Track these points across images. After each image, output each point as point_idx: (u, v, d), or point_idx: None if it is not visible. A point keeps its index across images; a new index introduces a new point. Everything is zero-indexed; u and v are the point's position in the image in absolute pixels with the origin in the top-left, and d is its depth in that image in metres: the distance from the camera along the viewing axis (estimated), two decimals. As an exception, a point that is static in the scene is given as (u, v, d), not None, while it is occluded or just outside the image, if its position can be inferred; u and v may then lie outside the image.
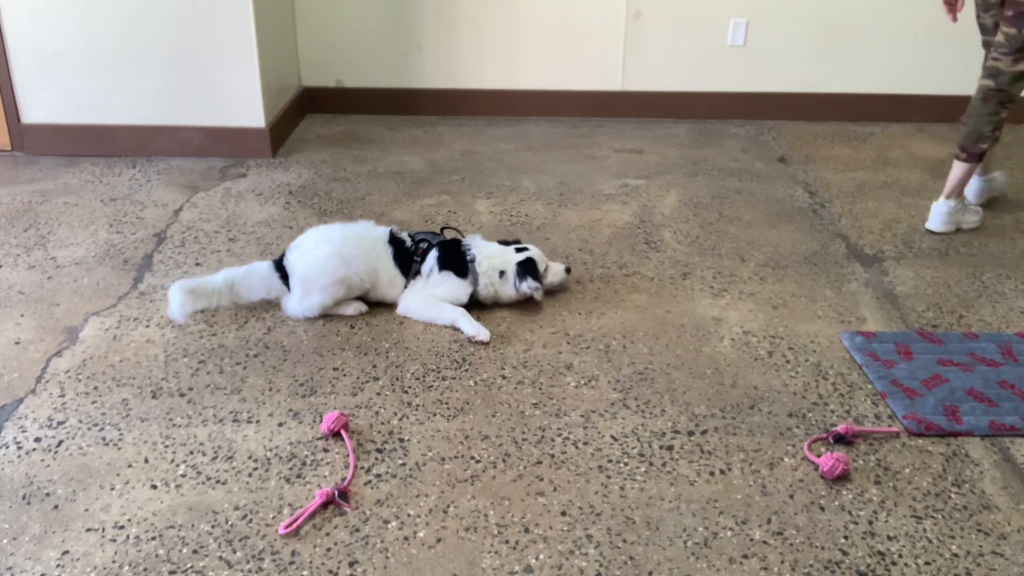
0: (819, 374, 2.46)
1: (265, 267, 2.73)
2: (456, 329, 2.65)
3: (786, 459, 2.11)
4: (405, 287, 2.76)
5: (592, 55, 4.68)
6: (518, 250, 2.78)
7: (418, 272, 2.75)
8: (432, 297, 2.71)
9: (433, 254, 2.75)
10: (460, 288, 2.73)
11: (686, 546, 1.85)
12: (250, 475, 2.04)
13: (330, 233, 2.72)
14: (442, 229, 2.92)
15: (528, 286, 2.72)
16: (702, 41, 4.64)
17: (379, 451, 2.13)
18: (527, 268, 2.73)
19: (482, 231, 3.34)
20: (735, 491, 2.01)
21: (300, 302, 2.68)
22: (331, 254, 2.65)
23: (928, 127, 4.70)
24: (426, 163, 4.11)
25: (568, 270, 2.87)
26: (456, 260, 2.74)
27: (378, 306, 2.77)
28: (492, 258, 2.75)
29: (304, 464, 2.08)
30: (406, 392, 2.36)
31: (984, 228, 3.44)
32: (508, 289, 2.75)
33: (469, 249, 2.76)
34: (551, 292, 2.87)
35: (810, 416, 2.28)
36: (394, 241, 2.76)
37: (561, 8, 4.59)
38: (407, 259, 2.76)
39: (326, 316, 2.71)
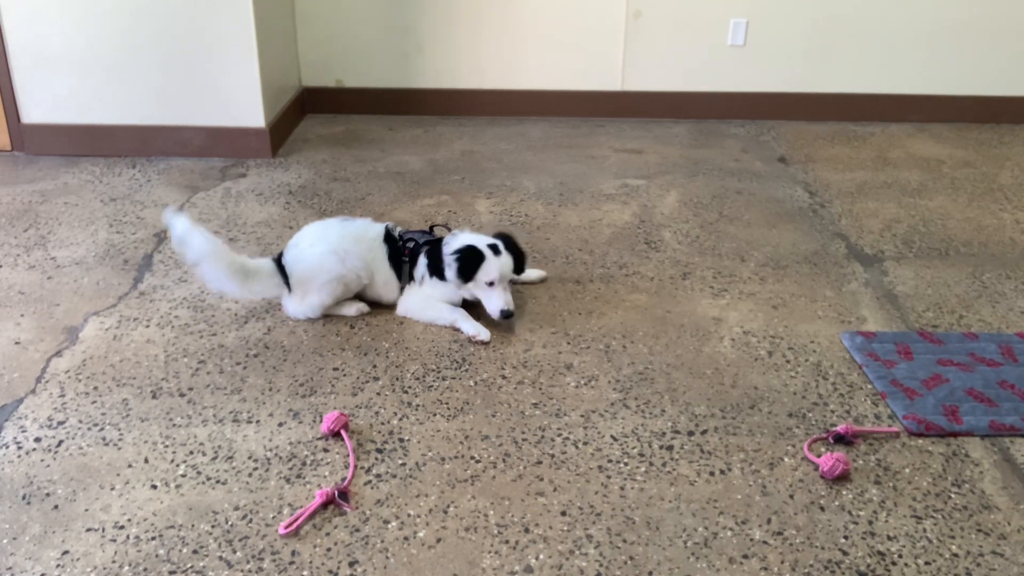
0: (819, 374, 2.46)
1: (267, 264, 2.73)
2: (456, 330, 2.65)
3: (786, 459, 2.11)
4: (401, 288, 2.75)
5: (592, 55, 4.68)
6: (492, 246, 2.61)
7: (411, 276, 2.74)
8: (430, 298, 2.71)
9: (423, 260, 2.71)
10: (449, 291, 2.69)
11: (686, 546, 1.85)
12: (250, 475, 2.04)
13: (326, 231, 2.71)
14: (431, 227, 2.90)
15: (447, 261, 2.56)
16: (702, 41, 4.64)
17: (379, 451, 2.13)
18: (465, 256, 2.54)
19: (483, 231, 3.33)
20: (735, 491, 2.01)
21: (301, 303, 2.68)
22: (326, 252, 2.64)
23: (928, 127, 4.70)
24: (426, 163, 4.11)
25: (506, 315, 2.56)
26: (439, 264, 2.66)
27: (378, 306, 2.77)
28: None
29: (304, 464, 2.08)
30: (406, 392, 2.36)
31: (983, 228, 3.44)
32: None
33: (445, 250, 2.65)
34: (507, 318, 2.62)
35: (810, 416, 2.28)
36: (389, 240, 2.75)
37: (561, 8, 4.59)
38: (400, 260, 2.74)
39: (326, 316, 2.71)
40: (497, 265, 2.58)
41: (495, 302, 2.59)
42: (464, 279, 2.58)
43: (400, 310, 2.73)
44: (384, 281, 2.74)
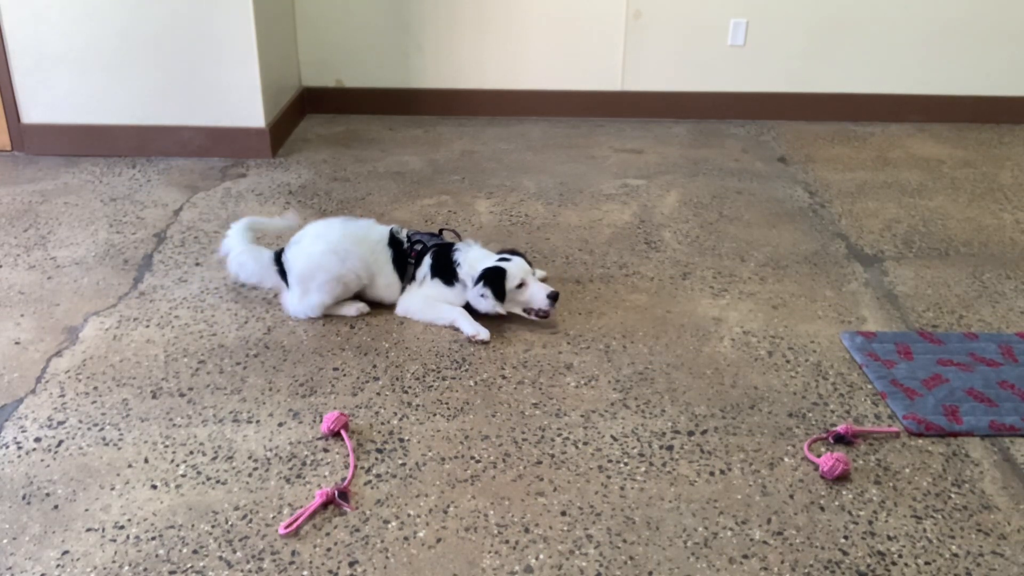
0: (819, 374, 2.46)
1: (267, 256, 2.74)
2: (456, 329, 2.65)
3: (786, 459, 2.11)
4: (403, 290, 2.76)
5: (592, 55, 4.68)
6: (502, 259, 2.66)
7: (413, 276, 2.74)
8: (430, 298, 2.71)
9: (427, 260, 2.72)
10: (452, 295, 2.69)
11: (686, 546, 1.85)
12: (250, 475, 2.04)
13: (328, 230, 2.72)
14: (440, 231, 2.90)
15: (477, 292, 2.60)
16: (702, 41, 4.64)
17: (379, 451, 2.13)
18: (489, 278, 2.59)
19: (483, 231, 3.34)
20: (735, 491, 2.01)
21: (300, 301, 2.68)
22: (326, 251, 2.64)
23: (928, 127, 4.70)
24: (426, 163, 4.11)
25: (554, 297, 2.61)
26: (445, 268, 2.69)
27: (378, 306, 2.77)
28: (473, 266, 2.65)
29: (304, 464, 2.08)
30: (406, 392, 2.36)
31: (983, 228, 3.44)
32: (470, 296, 2.65)
33: (457, 256, 2.69)
34: (540, 318, 2.68)
35: (810, 416, 2.28)
36: (394, 243, 2.75)
37: (561, 8, 4.59)
38: (405, 262, 2.74)
39: (326, 316, 2.71)
40: (517, 267, 2.63)
41: (538, 294, 2.62)
42: (502, 298, 2.60)
43: (400, 310, 2.73)
44: (387, 284, 2.74)
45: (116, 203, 3.61)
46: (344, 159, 4.15)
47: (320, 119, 4.76)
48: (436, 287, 2.70)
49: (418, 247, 2.75)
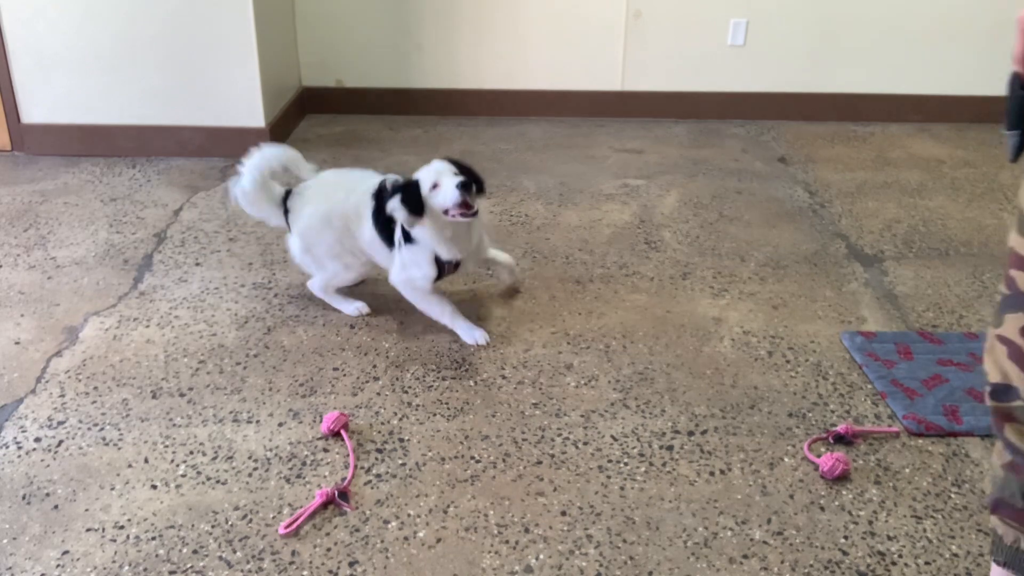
0: (819, 374, 2.46)
1: (277, 193, 2.66)
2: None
3: (786, 459, 2.11)
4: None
5: (592, 55, 4.68)
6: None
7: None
8: (416, 280, 2.52)
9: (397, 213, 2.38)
10: (427, 263, 2.46)
11: (686, 546, 1.85)
12: (250, 475, 2.04)
13: (332, 190, 2.59)
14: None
15: (390, 207, 2.37)
16: (702, 41, 4.64)
17: (379, 451, 2.13)
18: (403, 196, 2.34)
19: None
20: (735, 491, 2.01)
21: (303, 257, 2.65)
22: (323, 221, 2.55)
23: (928, 127, 4.70)
24: (426, 163, 4.10)
25: (464, 186, 2.29)
26: (414, 202, 2.37)
27: (378, 306, 2.77)
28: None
29: (304, 464, 2.08)
30: (406, 392, 2.36)
31: (983, 228, 3.44)
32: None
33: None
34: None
35: (810, 416, 2.28)
36: (378, 195, 2.50)
37: (561, 8, 4.59)
38: (383, 217, 2.45)
39: (326, 316, 2.71)
40: (430, 171, 2.39)
41: (447, 188, 2.32)
42: (418, 212, 2.33)
43: (393, 281, 2.58)
44: (370, 239, 2.56)
45: (116, 203, 3.61)
46: (344, 159, 4.15)
47: (320, 119, 4.76)
48: (412, 254, 2.47)
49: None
